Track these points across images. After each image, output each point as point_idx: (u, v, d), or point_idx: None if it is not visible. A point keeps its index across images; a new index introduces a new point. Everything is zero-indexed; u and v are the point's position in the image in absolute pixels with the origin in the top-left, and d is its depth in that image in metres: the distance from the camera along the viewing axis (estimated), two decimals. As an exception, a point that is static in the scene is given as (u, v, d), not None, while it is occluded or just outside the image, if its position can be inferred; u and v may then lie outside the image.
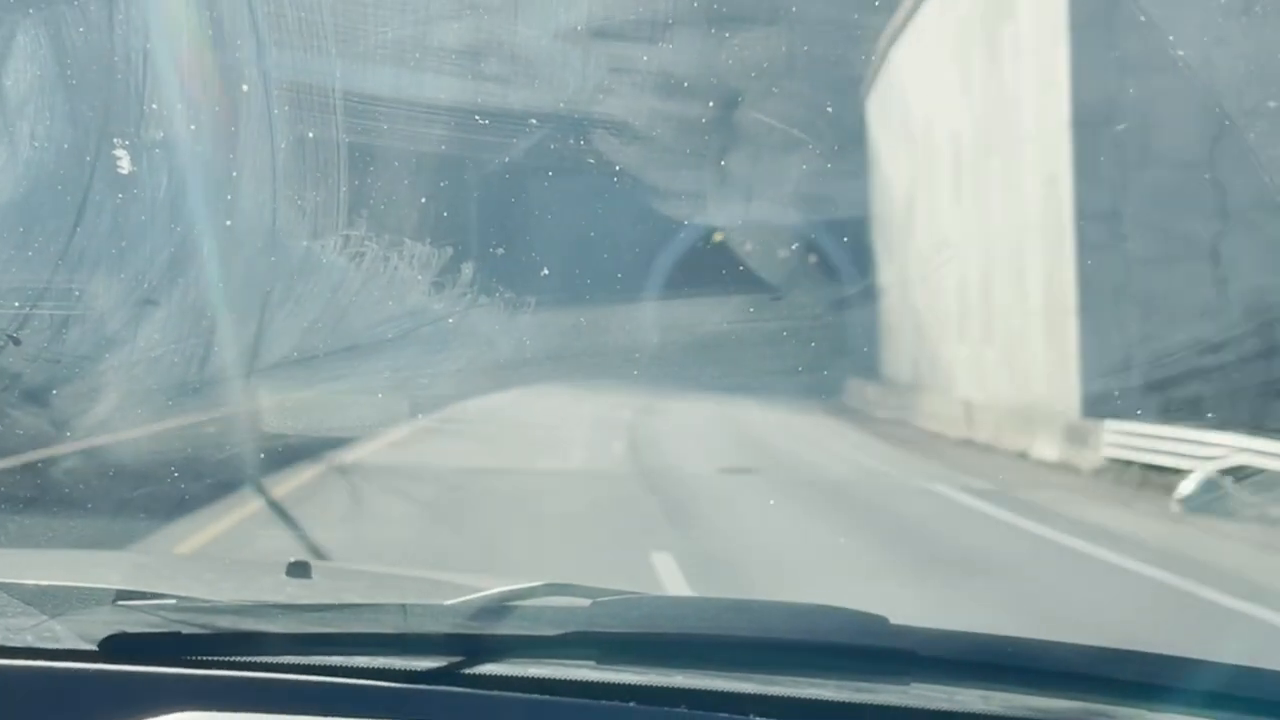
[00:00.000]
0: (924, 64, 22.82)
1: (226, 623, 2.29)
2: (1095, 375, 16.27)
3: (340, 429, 13.41)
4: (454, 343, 12.73)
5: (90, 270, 9.30)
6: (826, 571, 8.74)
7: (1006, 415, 18.01)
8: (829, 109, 20.36)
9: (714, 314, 16.57)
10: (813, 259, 21.24)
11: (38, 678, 2.13)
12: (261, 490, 10.55)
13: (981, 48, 20.32)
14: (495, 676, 2.12)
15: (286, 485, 11.36)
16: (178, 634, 2.21)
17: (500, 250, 17.22)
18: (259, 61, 9.80)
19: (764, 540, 9.89)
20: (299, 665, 2.14)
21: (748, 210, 20.51)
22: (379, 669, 2.14)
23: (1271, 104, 14.57)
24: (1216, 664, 2.13)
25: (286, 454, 11.90)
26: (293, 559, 2.90)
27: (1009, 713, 2.09)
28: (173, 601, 2.35)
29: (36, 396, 9.15)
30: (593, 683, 2.10)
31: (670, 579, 8.15)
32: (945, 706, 2.09)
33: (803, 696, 2.08)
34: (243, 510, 10.19)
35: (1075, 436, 15.60)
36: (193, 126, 9.70)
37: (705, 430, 17.88)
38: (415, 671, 2.13)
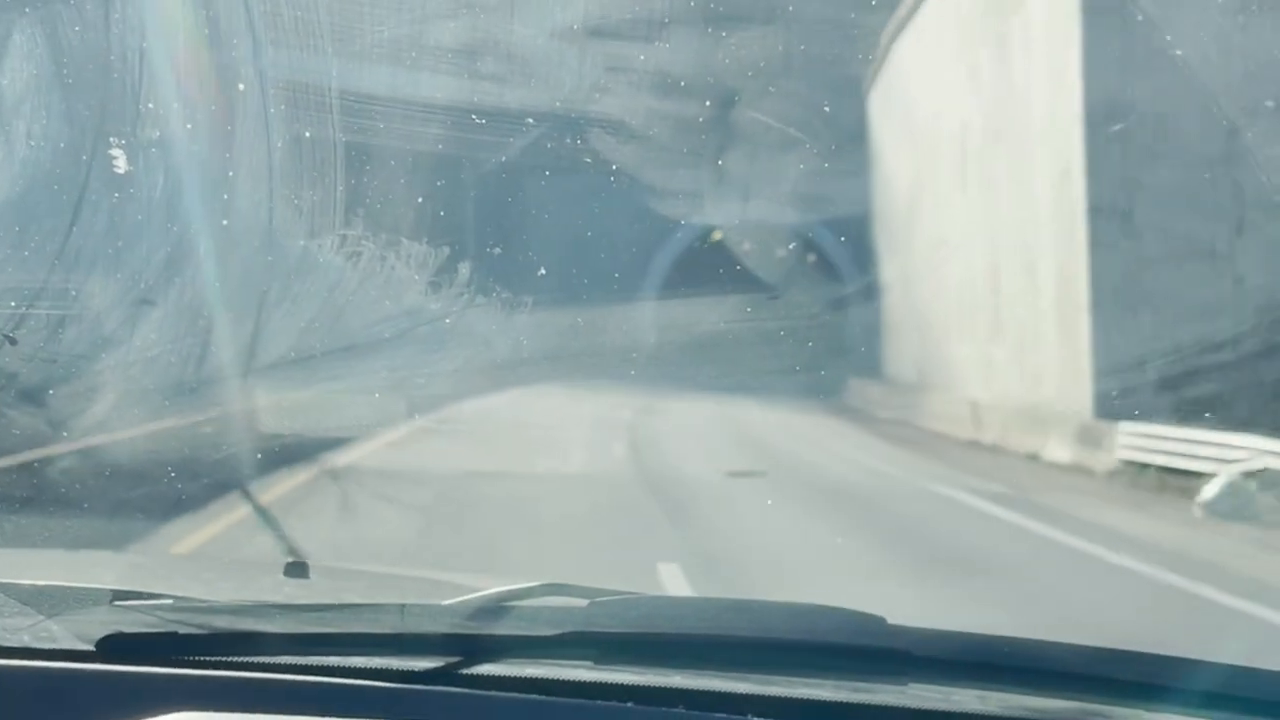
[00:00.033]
0: (928, 59, 22.61)
1: (224, 623, 2.29)
2: (1108, 374, 15.98)
3: (337, 429, 13.37)
4: (451, 342, 12.72)
5: (87, 270, 9.29)
6: (844, 580, 8.45)
7: (1015, 415, 17.72)
8: (826, 108, 20.36)
9: (711, 313, 16.56)
10: (810, 258, 21.26)
11: (35, 678, 2.13)
12: (246, 496, 10.46)
13: (989, 41, 20.02)
14: (493, 677, 2.12)
15: (282, 487, 11.31)
16: (175, 634, 2.21)
17: (497, 250, 17.22)
18: (255, 60, 9.79)
19: (776, 549, 9.66)
20: (296, 665, 2.14)
21: (745, 209, 20.52)
22: (376, 669, 2.14)
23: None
24: (1213, 664, 2.13)
25: (283, 454, 11.86)
26: (290, 559, 2.90)
27: (1006, 713, 2.09)
28: (170, 601, 2.35)
29: (33, 396, 9.13)
30: (590, 683, 2.09)
31: (678, 592, 7.96)
32: (942, 706, 2.09)
33: (800, 696, 2.08)
34: (240, 510, 10.16)
35: (1088, 438, 15.31)
36: (189, 126, 9.69)
37: (706, 431, 17.80)
38: (413, 672, 2.13)
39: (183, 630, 2.22)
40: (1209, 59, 14.64)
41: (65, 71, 9.23)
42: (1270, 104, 14.60)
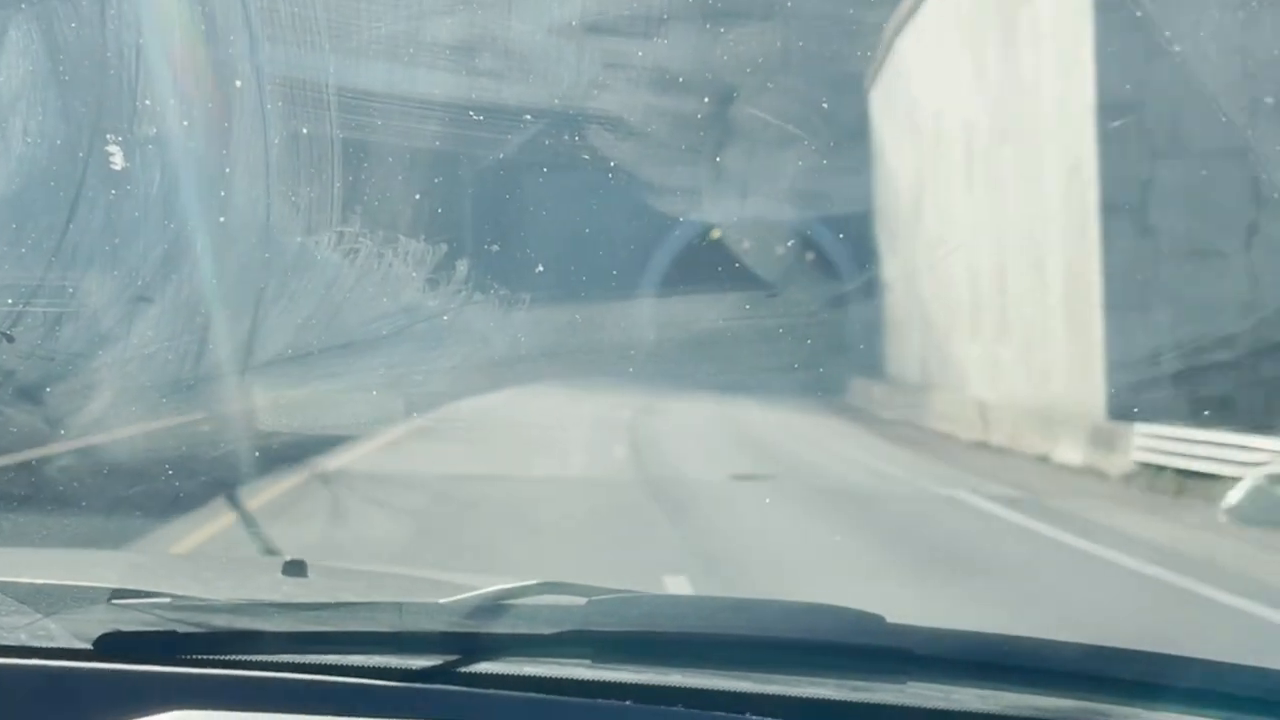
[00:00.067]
0: (933, 52, 22.33)
1: (222, 621, 2.28)
2: (1121, 373, 15.59)
3: (335, 427, 13.34)
4: (449, 340, 12.71)
5: (83, 267, 9.29)
6: (844, 581, 8.32)
7: (1024, 416, 17.30)
8: (825, 104, 20.33)
9: (710, 311, 16.53)
10: (810, 255, 21.24)
11: (33, 676, 2.13)
12: (232, 502, 10.37)
13: (996, 32, 19.66)
14: (491, 675, 2.12)
15: (277, 489, 11.25)
16: (173, 633, 2.21)
17: (495, 247, 17.23)
18: (252, 57, 9.78)
19: (777, 552, 9.54)
20: (295, 664, 2.14)
21: (744, 206, 20.51)
22: (375, 667, 2.13)
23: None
24: (1215, 662, 2.13)
25: (279, 453, 11.83)
26: (289, 557, 2.89)
27: (1006, 711, 2.09)
28: (168, 600, 2.34)
29: (30, 394, 9.13)
30: (589, 681, 2.09)
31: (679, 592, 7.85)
32: (942, 705, 2.08)
33: (800, 695, 2.07)
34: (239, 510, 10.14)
35: (1101, 439, 14.87)
36: (186, 122, 9.68)
37: (708, 431, 17.71)
38: (411, 670, 2.13)
39: (181, 629, 2.21)
40: (1224, 51, 14.34)
41: (62, 68, 9.22)
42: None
